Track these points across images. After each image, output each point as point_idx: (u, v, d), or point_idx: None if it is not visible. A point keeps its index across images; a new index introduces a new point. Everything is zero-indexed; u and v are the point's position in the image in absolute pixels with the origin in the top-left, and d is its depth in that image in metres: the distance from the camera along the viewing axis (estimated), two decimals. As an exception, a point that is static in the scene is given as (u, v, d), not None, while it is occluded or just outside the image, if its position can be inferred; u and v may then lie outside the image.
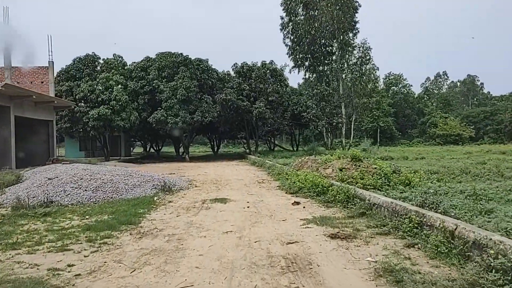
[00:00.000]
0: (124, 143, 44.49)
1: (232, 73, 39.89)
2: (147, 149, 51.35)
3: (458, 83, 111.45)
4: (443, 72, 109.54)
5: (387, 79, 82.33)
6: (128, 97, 33.88)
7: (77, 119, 33.04)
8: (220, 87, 36.99)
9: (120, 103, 32.98)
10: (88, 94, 32.72)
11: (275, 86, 38.39)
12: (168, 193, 13.83)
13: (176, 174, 22.07)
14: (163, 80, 34.79)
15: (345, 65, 45.63)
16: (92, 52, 34.83)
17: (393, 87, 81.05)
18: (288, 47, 48.67)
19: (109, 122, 32.81)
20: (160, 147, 49.78)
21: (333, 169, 14.06)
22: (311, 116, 39.51)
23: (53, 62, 29.81)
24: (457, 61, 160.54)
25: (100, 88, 33.45)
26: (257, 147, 39.90)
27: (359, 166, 13.61)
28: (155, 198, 12.54)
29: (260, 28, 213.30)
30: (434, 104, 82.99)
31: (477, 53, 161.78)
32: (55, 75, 35.62)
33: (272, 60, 39.01)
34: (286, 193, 13.30)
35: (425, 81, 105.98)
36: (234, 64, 38.81)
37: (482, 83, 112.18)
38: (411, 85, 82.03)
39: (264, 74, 38.12)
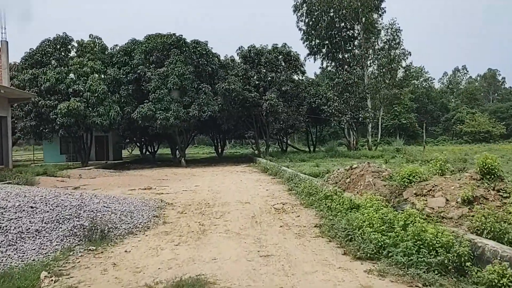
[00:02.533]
0: (112, 144, 37.33)
1: (237, 58, 32.58)
2: (143, 151, 44.09)
3: (478, 78, 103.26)
4: (463, 66, 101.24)
5: (407, 72, 74.34)
6: (107, 87, 26.69)
7: (46, 116, 25.90)
8: (222, 76, 29.69)
9: (97, 94, 25.80)
10: (56, 83, 25.57)
11: (290, 74, 30.97)
12: (94, 247, 6.56)
13: (151, 190, 14.79)
14: (151, 66, 27.56)
15: (370, 51, 38.06)
16: (64, 33, 27.68)
17: (413, 81, 73.09)
18: (302, 32, 41.38)
19: (82, 119, 25.63)
20: (156, 149, 42.58)
21: (446, 199, 6.52)
22: (333, 110, 32.03)
23: (7, 42, 22.65)
24: (476, 55, 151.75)
25: (72, 76, 26.29)
26: (268, 147, 32.58)
27: (503, 191, 6.14)
28: (43, 276, 5.24)
29: (270, 11, 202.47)
30: (458, 99, 75.02)
31: (498, 47, 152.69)
32: (18, 61, 28.62)
33: (285, 43, 31.68)
34: (344, 253, 5.96)
35: (443, 75, 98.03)
36: (239, 48, 31.56)
37: (504, 78, 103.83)
38: (434, 79, 73.98)
39: (275, 59, 30.74)
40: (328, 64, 41.29)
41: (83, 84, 25.99)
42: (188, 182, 17.52)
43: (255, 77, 31.40)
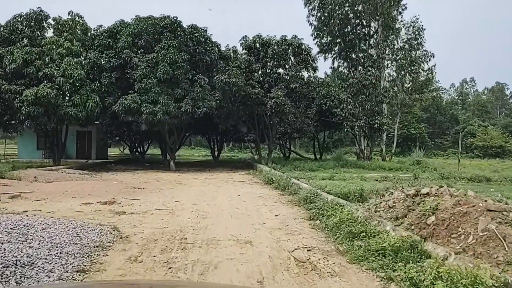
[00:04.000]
0: (96, 141, 32.90)
1: (240, 49, 28.25)
2: (134, 151, 39.51)
3: (486, 91, 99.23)
4: (471, 78, 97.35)
5: (429, 75, 69.92)
6: (85, 73, 22.32)
7: (10, 104, 21.50)
8: (222, 68, 25.34)
9: (72, 81, 21.44)
10: (24, 65, 21.18)
11: (300, 69, 26.62)
12: None
13: (113, 206, 10.41)
14: (139, 51, 23.21)
15: (387, 50, 33.78)
16: (38, 8, 23.27)
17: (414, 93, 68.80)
18: (312, 27, 37.10)
19: (53, 109, 21.23)
20: (145, 149, 38.09)
21: None
22: (347, 114, 27.68)
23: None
24: (483, 68, 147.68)
25: (45, 58, 21.94)
26: (271, 153, 28.15)
27: None
28: None
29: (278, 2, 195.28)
30: (468, 111, 70.79)
31: (508, 60, 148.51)
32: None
33: (295, 35, 27.34)
34: None
35: (450, 87, 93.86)
36: (243, 37, 27.19)
37: None
38: (445, 89, 69.76)
39: (284, 52, 26.38)
40: (340, 64, 36.98)
41: (57, 68, 21.62)
42: (169, 194, 13.07)
43: (259, 72, 27.09)
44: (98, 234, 6.78)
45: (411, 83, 32.23)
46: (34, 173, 16.46)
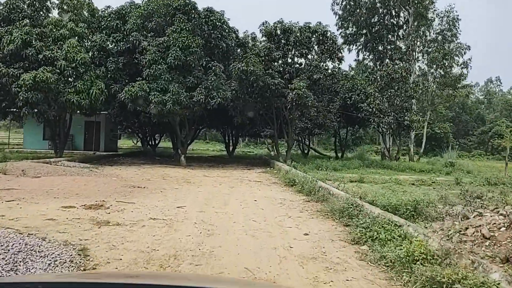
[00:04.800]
0: (104, 132, 30.95)
1: (259, 36, 25.86)
2: (146, 144, 37.47)
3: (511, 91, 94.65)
4: (496, 77, 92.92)
5: (464, 69, 66.38)
6: (89, 57, 20.27)
7: (8, 88, 19.56)
8: (239, 56, 23.01)
9: (74, 65, 19.37)
10: (23, 47, 19.20)
11: (324, 59, 24.12)
12: None
13: (99, 211, 8.22)
14: (149, 35, 21.03)
15: (418, 42, 30.98)
16: (42, -15, 21.29)
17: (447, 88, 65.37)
18: (337, 17, 34.49)
19: (54, 95, 19.22)
20: (157, 142, 36.04)
21: None
22: (374, 109, 25.10)
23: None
24: (508, 67, 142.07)
25: (46, 40, 19.93)
26: (290, 150, 25.73)
27: None
28: None
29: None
30: (496, 111, 67.09)
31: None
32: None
33: (320, 22, 24.83)
34: None
35: (475, 85, 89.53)
36: (263, 23, 24.74)
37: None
38: (473, 85, 66.08)
39: (307, 39, 23.90)
40: (365, 56, 34.33)
41: (58, 51, 19.59)
42: (172, 196, 10.82)
43: (280, 61, 24.67)
44: (49, 264, 4.54)
45: (443, 77, 29.39)
46: (24, 166, 14.42)
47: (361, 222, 6.87)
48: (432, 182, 16.88)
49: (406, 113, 26.41)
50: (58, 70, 19.18)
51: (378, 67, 32.25)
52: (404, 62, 30.06)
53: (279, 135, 26.19)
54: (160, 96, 19.58)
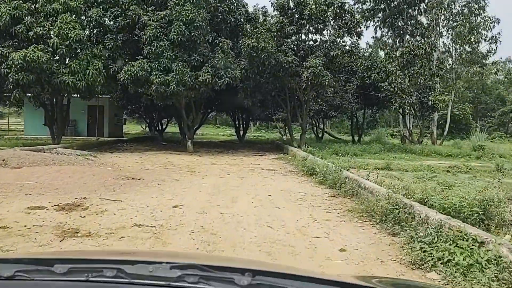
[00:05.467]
0: (109, 117, 29.22)
1: (270, 10, 23.64)
2: (153, 129, 35.70)
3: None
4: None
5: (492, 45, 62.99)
6: (85, 34, 18.37)
7: (-1, 70, 17.80)
8: (249, 32, 20.87)
9: (68, 42, 17.48)
10: (12, 23, 17.36)
11: (342, 33, 21.86)
12: None
13: (74, 213, 6.33)
14: (149, 8, 18.99)
15: (442, 17, 28.46)
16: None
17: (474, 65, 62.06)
18: (353, -9, 31.97)
19: (47, 77, 17.41)
20: (164, 126, 34.25)
21: None
22: (396, 89, 22.88)
23: None
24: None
25: (37, 15, 18.06)
26: (304, 134, 23.69)
27: None
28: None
29: None
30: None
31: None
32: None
33: (337, -7, 22.46)
34: None
35: (492, 64, 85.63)
36: (274, -4, 22.53)
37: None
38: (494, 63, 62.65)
39: (323, 13, 21.62)
40: (384, 33, 31.87)
41: (51, 27, 17.71)
42: (170, 191, 8.94)
43: (293, 38, 22.50)
44: None
45: (469, 54, 26.91)
46: (7, 155, 12.66)
47: (419, 233, 4.91)
48: (469, 169, 14.82)
49: (430, 93, 24.16)
50: (50, 49, 17.33)
51: (397, 44, 29.87)
52: (425, 38, 27.64)
53: (292, 118, 24.16)
54: (163, 76, 17.66)
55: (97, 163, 13.90)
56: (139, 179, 10.51)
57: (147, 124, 38.56)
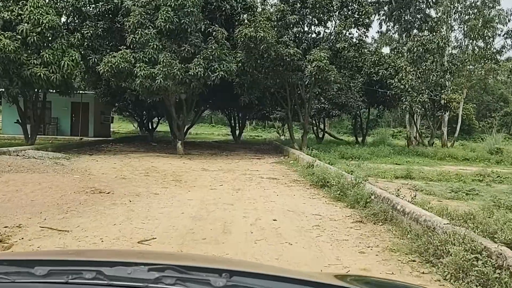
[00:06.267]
0: (94, 115, 26.89)
1: (270, -1, 21.39)
2: (143, 128, 33.30)
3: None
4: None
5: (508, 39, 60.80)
6: (61, 21, 16.08)
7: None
8: (246, 21, 18.64)
9: (40, 29, 15.19)
10: (-25, 7, 15.09)
11: (349, 24, 19.66)
12: None
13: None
14: (134, -8, 16.74)
15: (453, 10, 26.35)
16: None
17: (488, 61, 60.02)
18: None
19: (16, 68, 15.11)
20: (155, 125, 31.94)
21: None
22: (407, 86, 20.74)
23: None
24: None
25: (5, -1, 15.80)
26: (306, 134, 21.46)
27: None
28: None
29: None
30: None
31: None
32: None
33: (343, -18, 20.32)
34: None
35: (507, 61, 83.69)
36: (275, -17, 20.37)
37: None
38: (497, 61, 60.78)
39: (328, 2, 19.42)
40: (390, 27, 29.73)
41: (20, 12, 15.40)
42: (142, 213, 6.62)
43: (295, 29, 20.31)
44: None
45: (483, 50, 24.83)
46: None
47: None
48: (497, 177, 12.68)
49: (442, 91, 22.06)
50: (19, 37, 15.03)
51: (403, 39, 27.75)
52: (434, 33, 25.53)
53: (292, 117, 21.96)
54: (148, 68, 15.39)
55: (66, 169, 11.62)
56: (108, 192, 8.25)
57: (137, 123, 36.20)
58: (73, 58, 15.73)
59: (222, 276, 1.09)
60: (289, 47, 17.95)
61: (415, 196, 6.68)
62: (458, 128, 26.77)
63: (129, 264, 1.17)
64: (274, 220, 6.41)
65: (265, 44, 16.84)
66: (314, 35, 21.29)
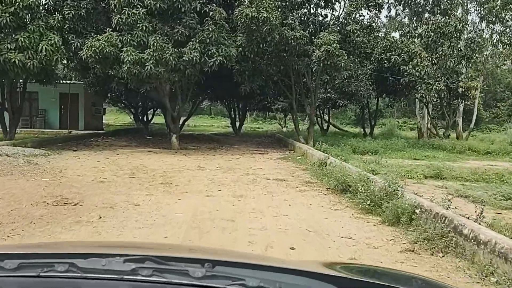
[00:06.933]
0: (84, 107, 24.99)
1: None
2: (139, 120, 31.33)
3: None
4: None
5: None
6: (38, 0, 14.14)
7: None
8: (247, 0, 16.68)
9: (13, 10, 13.29)
10: None
11: (360, 4, 17.70)
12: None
13: None
14: (120, -33, 14.76)
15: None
16: None
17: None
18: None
19: (-14, 54, 13.27)
20: (150, 117, 30.01)
21: None
22: (422, 73, 18.86)
23: None
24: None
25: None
26: (312, 126, 19.58)
27: None
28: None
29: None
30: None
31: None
32: None
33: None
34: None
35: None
36: (278, -41, 18.33)
37: None
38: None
39: (337, -21, 17.49)
40: (399, 11, 27.75)
41: (-11, -11, 13.49)
42: (115, 231, 4.89)
43: (301, 10, 18.39)
44: None
45: (502, 34, 22.90)
46: None
47: None
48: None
49: (460, 78, 20.20)
50: (-12, 18, 13.16)
51: (414, 24, 25.80)
52: (448, 17, 23.59)
53: (298, 106, 20.08)
54: (137, 53, 13.50)
55: (37, 170, 9.80)
56: (76, 204, 6.44)
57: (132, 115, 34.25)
58: (52, 42, 13.81)
59: (204, 267, 1.04)
60: (294, 29, 16.05)
61: (481, 214, 4.89)
62: (474, 119, 24.97)
63: (104, 256, 1.11)
64: (292, 248, 4.60)
65: (268, 26, 14.91)
66: (320, 18, 19.38)
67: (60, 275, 1.03)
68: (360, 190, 6.74)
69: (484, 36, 23.18)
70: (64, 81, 21.05)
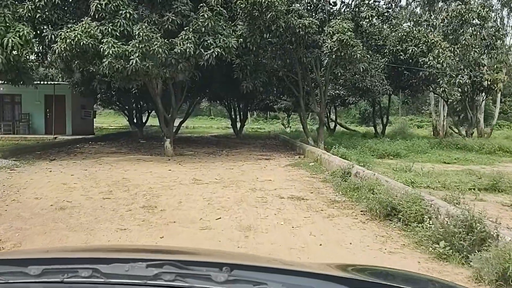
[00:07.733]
0: (72, 109, 22.81)
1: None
2: (134, 123, 29.07)
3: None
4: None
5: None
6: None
7: None
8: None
9: (-28, -5, 11.18)
10: None
11: (376, -11, 15.57)
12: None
13: None
14: None
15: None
16: None
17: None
18: None
19: None
20: (144, 120, 27.78)
21: None
22: (445, 65, 16.69)
23: None
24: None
25: None
26: (322, 126, 17.40)
27: None
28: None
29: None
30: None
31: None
32: None
33: None
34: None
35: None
36: None
37: None
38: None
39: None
40: (410, 1, 25.60)
41: None
42: None
43: (308, -3, 16.25)
44: None
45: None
46: None
47: None
48: None
49: (486, 71, 18.08)
50: None
51: (426, 14, 23.65)
52: (464, 4, 21.45)
53: (305, 104, 17.93)
54: (119, 45, 11.37)
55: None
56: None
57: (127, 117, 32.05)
58: (21, 34, 11.66)
59: (223, 270, 1.04)
60: (302, 17, 13.93)
61: None
62: (496, 114, 22.78)
63: (126, 261, 1.11)
64: None
65: (273, 12, 12.79)
66: (331, 5, 17.27)
67: (83, 280, 1.02)
68: (427, 225, 4.57)
69: (506, 23, 21.05)
70: (47, 82, 18.91)
